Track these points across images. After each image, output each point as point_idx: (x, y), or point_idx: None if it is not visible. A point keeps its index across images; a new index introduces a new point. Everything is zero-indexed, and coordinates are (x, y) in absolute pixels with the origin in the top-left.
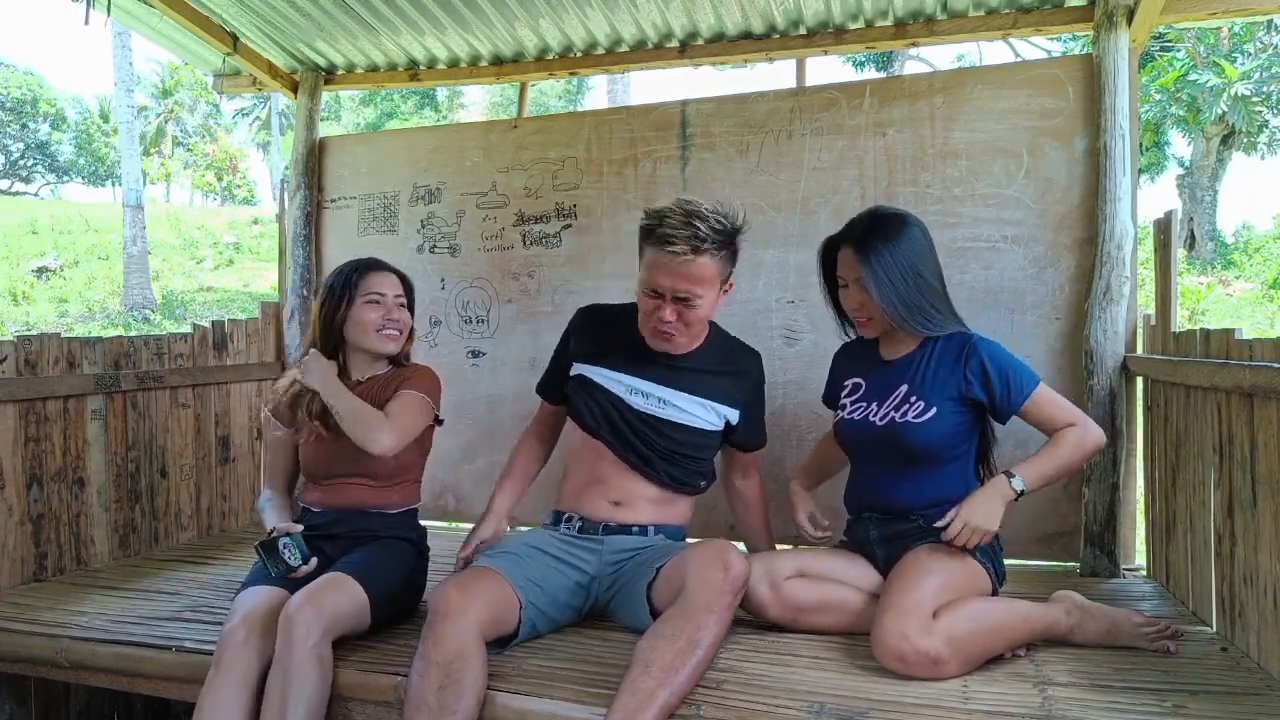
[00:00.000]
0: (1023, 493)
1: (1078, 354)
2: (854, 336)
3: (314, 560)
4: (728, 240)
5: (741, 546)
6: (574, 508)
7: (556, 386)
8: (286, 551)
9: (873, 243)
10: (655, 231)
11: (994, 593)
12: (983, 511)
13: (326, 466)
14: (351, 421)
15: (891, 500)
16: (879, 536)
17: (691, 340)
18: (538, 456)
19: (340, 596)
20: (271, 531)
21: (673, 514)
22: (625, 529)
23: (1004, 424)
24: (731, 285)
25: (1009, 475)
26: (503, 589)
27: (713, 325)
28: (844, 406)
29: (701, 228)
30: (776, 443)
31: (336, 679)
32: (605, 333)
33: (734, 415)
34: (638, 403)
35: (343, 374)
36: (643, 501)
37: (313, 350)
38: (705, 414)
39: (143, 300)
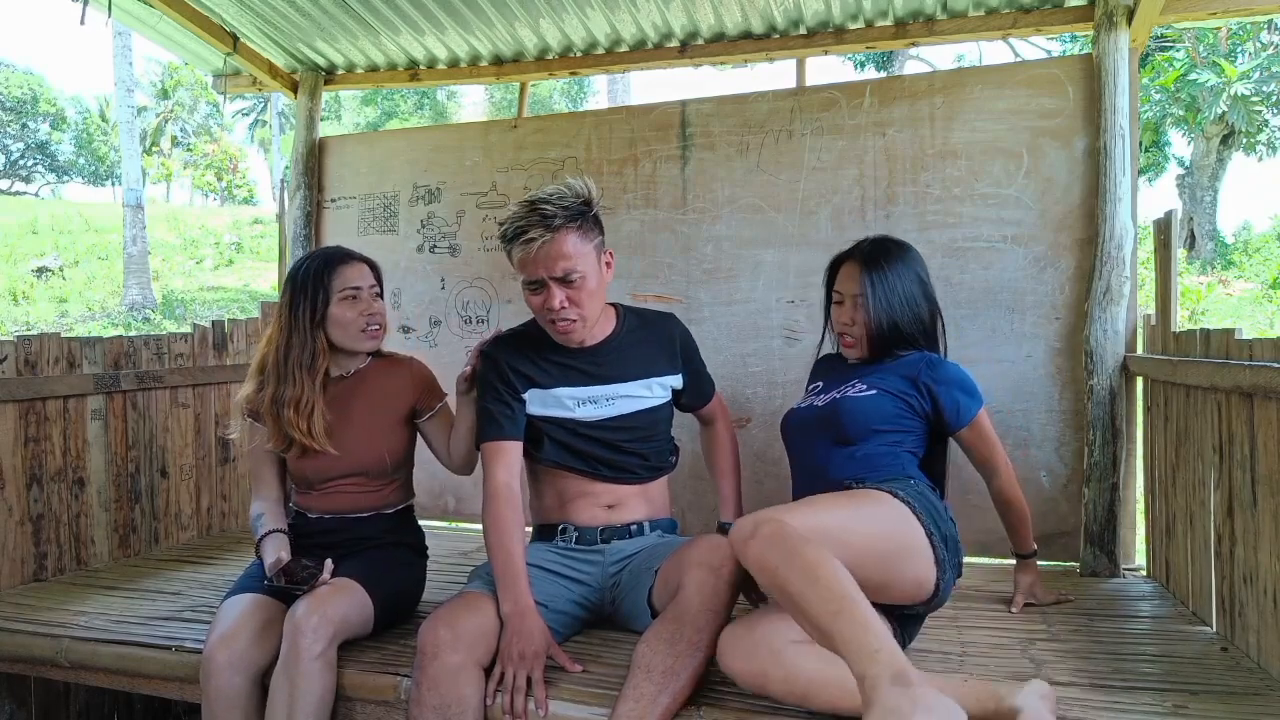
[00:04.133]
0: (1034, 552)
1: (1078, 354)
2: (835, 350)
3: (328, 561)
4: (579, 211)
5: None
6: (565, 518)
7: (518, 419)
8: (306, 573)
9: (878, 259)
10: (510, 234)
11: (933, 548)
12: (1040, 586)
13: (318, 473)
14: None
15: (828, 479)
16: None
17: (594, 324)
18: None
19: (346, 603)
20: (279, 564)
21: (659, 503)
22: (624, 529)
23: (949, 433)
24: (611, 255)
25: (1024, 555)
26: (496, 618)
27: (619, 306)
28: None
29: (547, 208)
30: (776, 443)
31: (339, 680)
32: (521, 357)
33: (676, 380)
34: (588, 413)
35: (325, 375)
36: (631, 499)
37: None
38: (650, 391)
39: (143, 300)
